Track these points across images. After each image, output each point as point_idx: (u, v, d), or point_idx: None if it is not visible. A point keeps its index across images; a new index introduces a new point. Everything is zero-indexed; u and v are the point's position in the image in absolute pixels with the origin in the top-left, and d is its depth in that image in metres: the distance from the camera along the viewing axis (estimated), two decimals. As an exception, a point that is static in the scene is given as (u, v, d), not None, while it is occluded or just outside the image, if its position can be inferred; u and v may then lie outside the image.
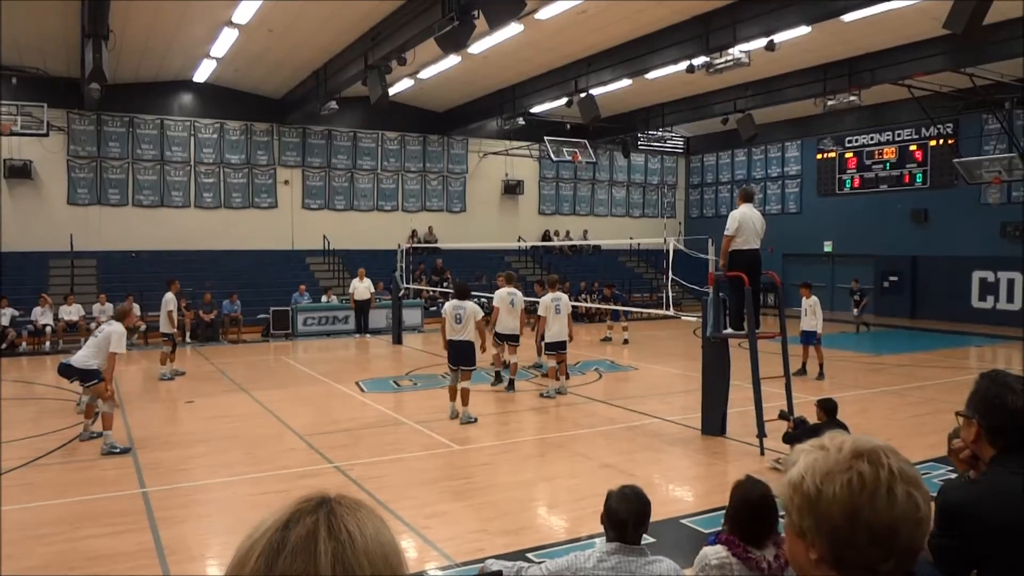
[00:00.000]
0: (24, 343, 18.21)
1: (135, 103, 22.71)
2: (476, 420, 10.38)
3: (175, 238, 23.11)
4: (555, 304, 12.18)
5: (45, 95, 20.03)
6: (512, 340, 12.59)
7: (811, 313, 13.77)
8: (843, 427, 7.34)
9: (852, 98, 19.69)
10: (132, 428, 10.15)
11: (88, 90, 16.93)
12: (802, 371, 13.59)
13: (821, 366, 13.64)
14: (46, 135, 20.18)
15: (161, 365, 14.28)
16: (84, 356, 9.24)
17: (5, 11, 15.89)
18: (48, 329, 18.38)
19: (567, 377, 12.69)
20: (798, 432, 7.56)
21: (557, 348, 12.20)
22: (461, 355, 10.53)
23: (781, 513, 3.98)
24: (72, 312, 18.91)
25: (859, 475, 1.22)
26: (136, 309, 19.25)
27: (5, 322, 17.98)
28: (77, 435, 9.58)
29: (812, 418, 7.86)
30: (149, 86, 22.62)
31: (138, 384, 13.94)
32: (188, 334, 19.52)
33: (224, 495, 7.55)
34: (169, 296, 14.46)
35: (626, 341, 18.82)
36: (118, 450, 8.86)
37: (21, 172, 21.31)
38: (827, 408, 7.48)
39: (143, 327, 19.31)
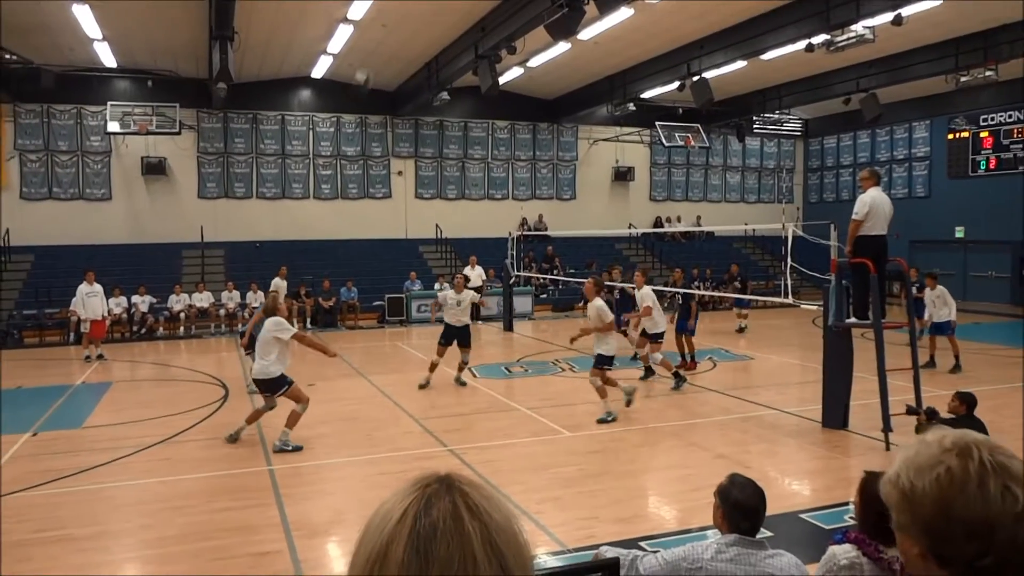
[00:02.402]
0: (161, 328, 19.43)
1: (258, 100, 23.77)
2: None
3: (295, 228, 24.10)
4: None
5: (177, 96, 21.21)
6: (660, 338, 12.21)
7: (940, 304, 13.11)
8: (980, 423, 6.95)
9: (988, 73, 18.41)
10: (259, 409, 10.69)
11: (215, 89, 17.88)
12: (931, 363, 12.94)
13: (957, 358, 12.94)
14: (178, 133, 21.37)
15: None
16: (260, 366, 8.72)
17: (140, 17, 16.95)
18: (182, 315, 19.54)
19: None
20: (934, 425, 7.17)
21: (654, 338, 12.10)
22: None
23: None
24: (203, 299, 20.03)
25: (947, 469, 1.19)
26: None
27: (144, 308, 19.24)
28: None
29: (945, 411, 7.47)
30: (270, 84, 23.62)
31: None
32: (308, 320, 20.37)
33: (344, 474, 7.84)
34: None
35: (742, 329, 18.31)
36: (289, 448, 8.57)
37: (157, 169, 22.72)
38: (967, 401, 7.10)
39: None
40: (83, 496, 7.19)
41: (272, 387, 8.72)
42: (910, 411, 8.05)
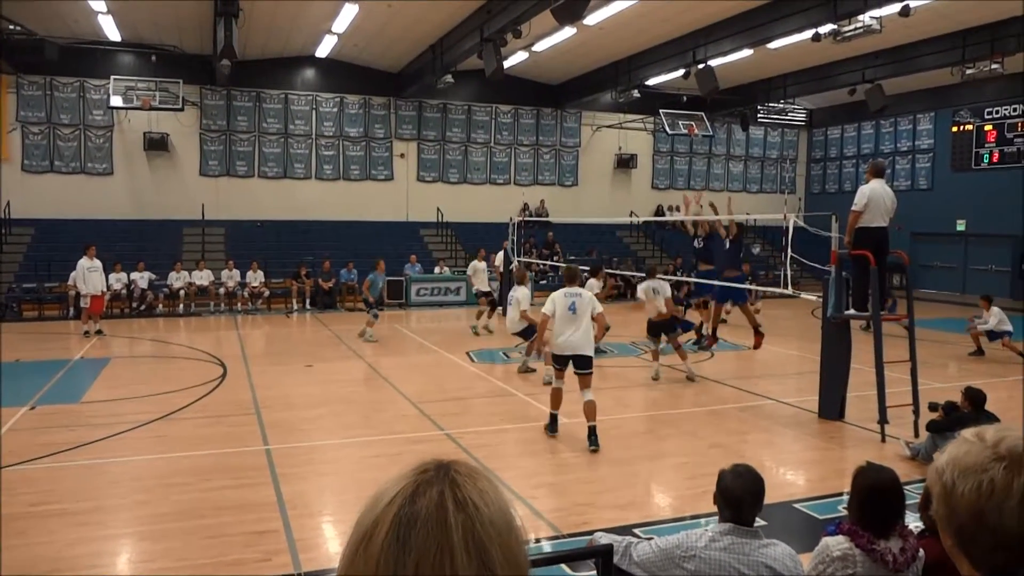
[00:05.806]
0: (160, 305, 19.42)
1: (261, 78, 23.65)
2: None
3: (297, 208, 24.04)
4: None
5: (181, 71, 21.11)
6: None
7: (1002, 323, 13.89)
8: (994, 418, 6.94)
9: (994, 66, 18.33)
10: (256, 389, 10.70)
11: (219, 66, 17.75)
12: (979, 352, 13.74)
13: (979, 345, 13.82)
14: (181, 109, 21.26)
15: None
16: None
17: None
18: (182, 293, 19.53)
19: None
20: (949, 421, 7.15)
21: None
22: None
23: (909, 501, 3.74)
24: (203, 277, 20.01)
25: (991, 480, 1.17)
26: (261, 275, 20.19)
27: (144, 285, 19.23)
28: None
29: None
30: (274, 62, 23.50)
31: (261, 347, 14.64)
32: (308, 301, 20.39)
33: (340, 455, 7.86)
34: None
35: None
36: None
37: (159, 144, 22.65)
38: (972, 398, 7.10)
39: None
40: (80, 471, 7.21)
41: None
42: (932, 407, 7.87)
